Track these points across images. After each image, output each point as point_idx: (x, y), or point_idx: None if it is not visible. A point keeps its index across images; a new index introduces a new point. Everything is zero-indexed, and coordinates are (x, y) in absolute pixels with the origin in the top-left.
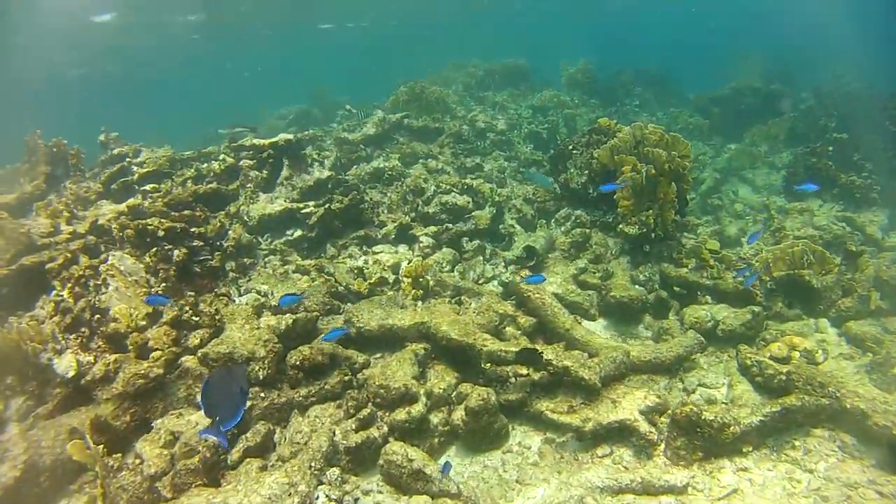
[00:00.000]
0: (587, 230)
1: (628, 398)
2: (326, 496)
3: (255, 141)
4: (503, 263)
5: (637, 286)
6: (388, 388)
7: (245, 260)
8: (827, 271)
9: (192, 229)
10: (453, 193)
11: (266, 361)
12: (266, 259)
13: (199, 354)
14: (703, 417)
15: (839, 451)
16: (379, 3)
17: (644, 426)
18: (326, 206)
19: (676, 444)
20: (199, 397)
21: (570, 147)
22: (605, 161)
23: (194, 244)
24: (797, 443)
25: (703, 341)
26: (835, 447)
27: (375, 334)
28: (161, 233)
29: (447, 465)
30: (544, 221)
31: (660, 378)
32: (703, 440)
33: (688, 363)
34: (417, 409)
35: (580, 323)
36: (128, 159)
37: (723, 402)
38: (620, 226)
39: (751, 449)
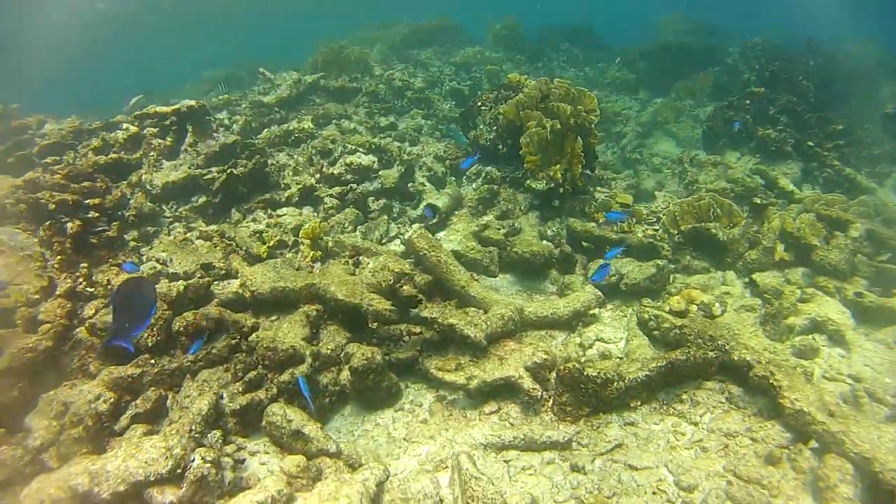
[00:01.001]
0: (495, 186)
1: (515, 355)
2: (202, 458)
3: (158, 108)
4: (408, 222)
5: (545, 241)
6: (276, 350)
7: (148, 228)
8: (734, 224)
9: (87, 201)
10: (359, 153)
11: (155, 328)
12: (171, 226)
13: (87, 325)
14: (585, 374)
15: (726, 402)
16: None
17: (528, 383)
18: (229, 171)
19: (562, 400)
20: (91, 366)
21: (479, 104)
22: (511, 117)
23: (90, 216)
24: (685, 396)
25: (600, 296)
26: (722, 399)
27: (268, 297)
28: (52, 206)
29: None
30: (453, 179)
31: (558, 333)
32: (588, 396)
33: (590, 318)
34: (301, 369)
35: (477, 280)
36: (30, 131)
37: (617, 357)
38: (528, 182)
39: (639, 404)
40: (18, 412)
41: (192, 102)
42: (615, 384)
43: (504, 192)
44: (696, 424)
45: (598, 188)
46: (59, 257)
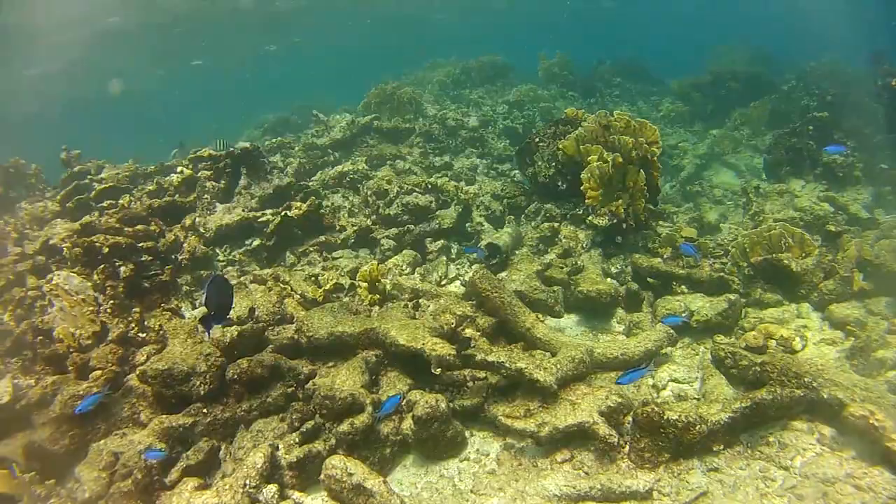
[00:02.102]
0: (555, 224)
1: (588, 399)
2: None
3: (212, 151)
4: (468, 263)
5: (609, 279)
6: (334, 399)
7: (202, 272)
8: (807, 254)
9: (140, 244)
10: (415, 193)
11: (207, 376)
12: (224, 270)
13: (138, 372)
14: (665, 417)
15: (817, 444)
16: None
17: (604, 429)
18: (283, 213)
19: (640, 446)
20: (142, 414)
21: (537, 140)
22: (570, 152)
23: (143, 259)
24: (772, 438)
25: (672, 334)
26: (813, 440)
27: (324, 343)
28: (105, 249)
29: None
30: (512, 217)
31: None
32: (667, 441)
33: (660, 357)
34: (361, 419)
35: (543, 321)
36: (89, 176)
37: (694, 398)
38: (590, 218)
39: (722, 447)
40: (69, 461)
41: (247, 145)
42: (697, 427)
43: (565, 229)
44: (786, 469)
45: (661, 222)
46: (111, 301)
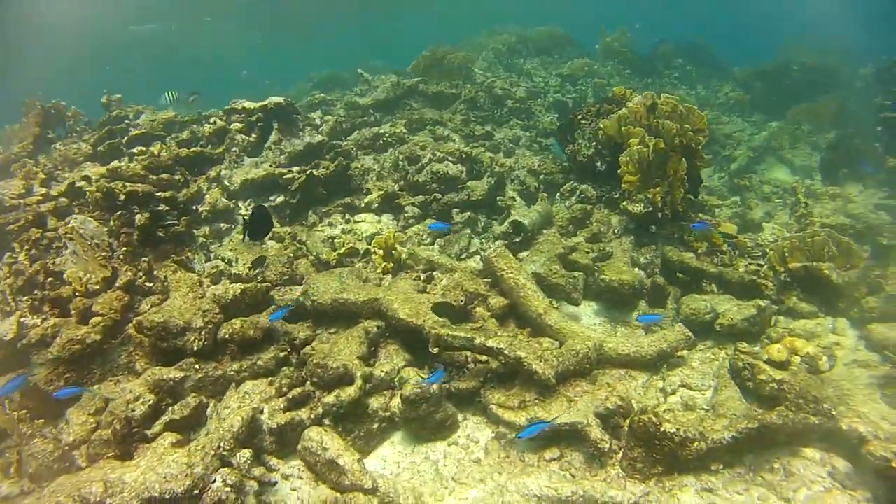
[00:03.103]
0: (588, 206)
1: (586, 398)
2: (223, 481)
3: (246, 104)
4: (492, 238)
5: (636, 269)
6: (326, 368)
7: (222, 225)
8: (852, 265)
9: (159, 193)
10: (447, 162)
11: (202, 332)
12: None
13: (134, 322)
14: (662, 429)
15: (828, 477)
16: None
17: (596, 432)
18: (310, 171)
19: (633, 455)
20: (137, 364)
21: (580, 117)
22: (611, 132)
23: (159, 208)
24: (778, 464)
25: (690, 336)
26: (823, 473)
27: (328, 308)
28: (122, 196)
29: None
30: (545, 195)
31: (639, 374)
32: (662, 453)
33: (677, 359)
34: (348, 392)
35: (557, 308)
36: (126, 121)
37: (702, 408)
38: (624, 203)
39: (721, 467)
40: (63, 403)
41: (280, 99)
42: (695, 444)
43: (598, 212)
44: (787, 501)
45: (701, 215)
46: (124, 248)
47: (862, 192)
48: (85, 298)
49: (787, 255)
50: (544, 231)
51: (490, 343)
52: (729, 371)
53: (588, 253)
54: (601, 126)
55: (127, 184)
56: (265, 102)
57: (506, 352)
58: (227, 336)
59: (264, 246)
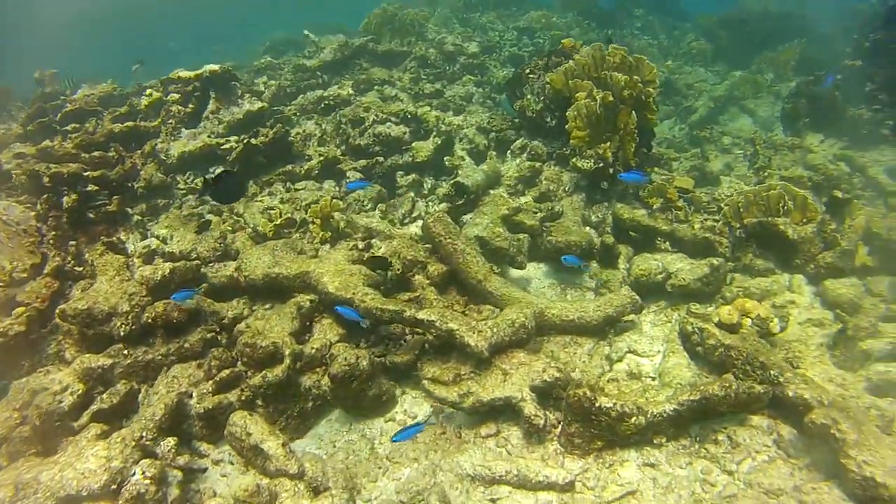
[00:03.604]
0: (538, 164)
1: (522, 370)
2: (142, 473)
3: (182, 73)
4: (437, 200)
5: (588, 228)
6: (255, 347)
7: (159, 201)
8: (808, 220)
9: (87, 173)
10: (389, 123)
11: (129, 317)
12: (184, 199)
13: (58, 311)
14: (598, 405)
15: (773, 446)
16: None
17: (530, 408)
18: (247, 140)
19: (571, 431)
20: (67, 352)
21: (528, 71)
22: (558, 86)
23: (88, 189)
24: (722, 436)
25: (637, 300)
26: (769, 442)
27: (260, 284)
28: (46, 179)
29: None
30: (493, 154)
31: (585, 340)
32: (601, 428)
33: (625, 324)
34: (275, 373)
35: (498, 273)
36: (63, 97)
37: (650, 376)
38: (573, 159)
39: (665, 440)
40: None
41: (216, 67)
42: (633, 419)
43: (548, 170)
44: (730, 474)
45: (657, 169)
46: (53, 233)
47: (822, 143)
48: (8, 288)
49: (742, 210)
50: (491, 191)
51: (421, 315)
52: (679, 335)
53: (536, 213)
54: (548, 80)
55: (52, 165)
56: (200, 71)
57: (437, 324)
58: (149, 320)
59: (205, 219)
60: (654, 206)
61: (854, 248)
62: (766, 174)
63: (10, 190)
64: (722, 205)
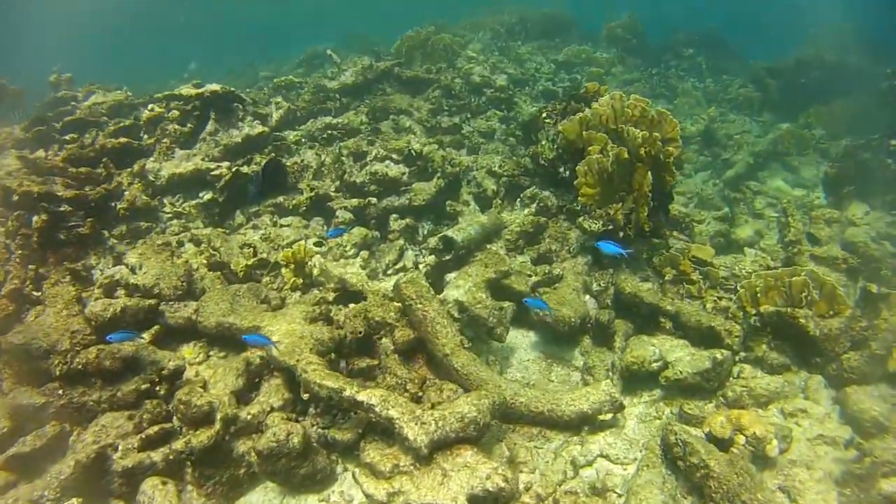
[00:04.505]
0: (542, 219)
1: (464, 474)
2: None
3: (184, 90)
4: (428, 252)
5: (587, 297)
6: (189, 404)
7: (142, 224)
8: (835, 313)
9: (60, 193)
10: (388, 161)
11: (68, 356)
12: (168, 223)
13: None
14: None
15: None
16: None
17: None
18: (236, 168)
19: None
20: (5, 383)
21: (544, 115)
22: (572, 136)
23: (61, 209)
24: None
25: (616, 400)
26: None
27: (213, 332)
28: (15, 197)
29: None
30: (500, 201)
31: (555, 435)
32: None
33: (608, 418)
34: (201, 438)
35: (467, 347)
36: (73, 103)
37: (614, 492)
38: (581, 219)
39: None
40: None
41: (217, 87)
42: None
43: (553, 226)
44: None
45: (676, 233)
46: (20, 252)
47: (867, 215)
48: None
49: (760, 294)
50: (488, 245)
51: (361, 397)
52: (660, 443)
53: (530, 276)
54: (560, 128)
55: (25, 181)
56: (202, 90)
57: (377, 409)
58: (80, 366)
59: (182, 249)
60: (667, 277)
61: (887, 351)
62: (795, 250)
63: None
64: (739, 286)
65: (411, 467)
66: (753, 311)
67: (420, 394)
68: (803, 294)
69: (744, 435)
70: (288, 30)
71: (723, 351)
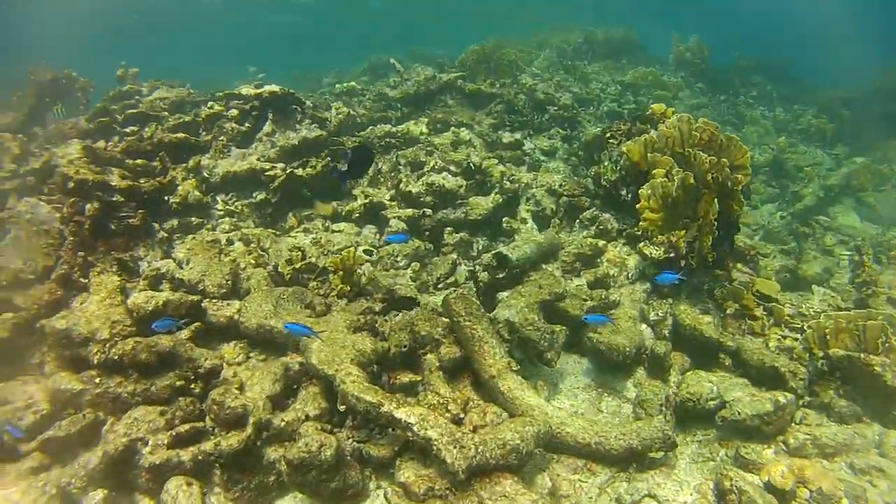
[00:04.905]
0: (601, 242)
1: None
2: None
3: (244, 90)
4: (482, 267)
5: (645, 326)
6: (223, 406)
7: (193, 219)
8: None
9: (114, 183)
10: (445, 173)
11: (107, 345)
12: (219, 220)
13: (38, 325)
14: None
15: None
16: None
17: None
18: (290, 170)
19: None
20: (47, 366)
21: (609, 135)
22: (636, 158)
23: (114, 199)
24: None
25: (668, 437)
26: None
27: (253, 333)
28: (71, 184)
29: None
30: (559, 221)
31: (601, 469)
32: None
33: (654, 460)
34: (230, 442)
35: (515, 370)
36: (137, 97)
37: None
38: (641, 244)
39: None
40: None
41: (276, 88)
42: None
43: (612, 250)
44: None
45: (740, 265)
46: (72, 238)
47: None
48: (11, 290)
49: (829, 336)
50: (544, 266)
51: (399, 414)
52: (713, 487)
53: (586, 300)
54: (624, 150)
55: (81, 169)
56: (261, 90)
57: (415, 428)
58: (116, 357)
59: (230, 247)
60: (728, 311)
61: None
62: (870, 291)
63: (52, 186)
64: (806, 326)
65: (447, 492)
66: (821, 354)
67: (462, 415)
68: (880, 340)
69: (808, 489)
70: (352, 40)
71: (786, 394)
